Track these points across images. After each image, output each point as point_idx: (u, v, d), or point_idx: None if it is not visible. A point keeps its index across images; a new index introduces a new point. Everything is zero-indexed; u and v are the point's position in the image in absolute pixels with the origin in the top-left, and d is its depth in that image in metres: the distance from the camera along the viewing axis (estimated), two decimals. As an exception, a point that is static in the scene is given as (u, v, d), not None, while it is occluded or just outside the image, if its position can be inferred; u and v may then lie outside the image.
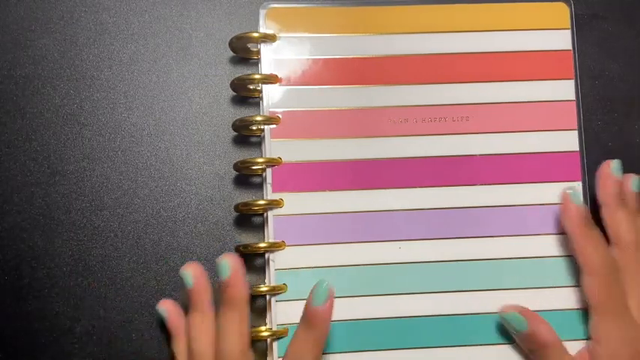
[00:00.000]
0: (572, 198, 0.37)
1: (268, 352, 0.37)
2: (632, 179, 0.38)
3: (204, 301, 0.36)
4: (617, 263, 0.36)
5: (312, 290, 0.34)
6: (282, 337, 0.37)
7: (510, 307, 0.37)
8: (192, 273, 0.36)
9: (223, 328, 0.34)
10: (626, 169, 0.41)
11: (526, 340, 0.36)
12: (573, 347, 0.37)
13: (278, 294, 0.37)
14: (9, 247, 0.40)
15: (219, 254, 0.40)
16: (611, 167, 0.38)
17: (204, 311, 0.36)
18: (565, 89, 0.40)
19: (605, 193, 0.38)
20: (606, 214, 0.37)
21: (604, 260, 0.36)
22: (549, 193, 0.39)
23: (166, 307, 0.38)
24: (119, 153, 0.41)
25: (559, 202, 0.38)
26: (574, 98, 0.40)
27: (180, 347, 0.37)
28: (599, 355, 0.35)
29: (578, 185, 0.39)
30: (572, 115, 0.40)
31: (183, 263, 0.40)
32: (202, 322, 0.36)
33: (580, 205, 0.37)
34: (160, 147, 0.41)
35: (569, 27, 0.41)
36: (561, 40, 0.41)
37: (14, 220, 0.40)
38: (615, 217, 0.37)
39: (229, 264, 0.35)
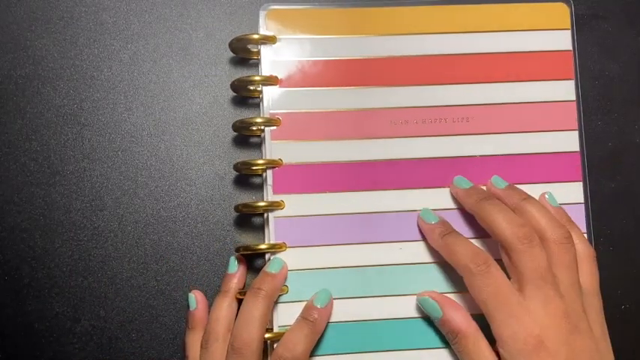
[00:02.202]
0: (424, 218, 0.38)
1: (269, 353, 0.37)
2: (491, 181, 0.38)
3: (235, 288, 0.38)
4: (486, 255, 0.34)
5: (315, 293, 0.37)
6: None
7: (426, 292, 0.37)
8: (236, 261, 0.39)
9: (248, 315, 0.35)
10: (626, 169, 0.42)
11: (442, 327, 0.36)
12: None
13: (279, 295, 0.37)
14: (9, 247, 0.40)
15: (220, 254, 0.40)
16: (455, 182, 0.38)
17: (232, 297, 0.37)
18: (565, 89, 0.40)
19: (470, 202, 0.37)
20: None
21: (472, 256, 0.34)
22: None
23: (196, 296, 0.38)
24: (119, 153, 0.41)
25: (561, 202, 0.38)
26: (574, 98, 0.40)
27: (194, 338, 0.37)
28: (503, 357, 0.33)
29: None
30: (572, 116, 0.40)
31: (183, 263, 0.40)
32: (229, 306, 0.37)
33: (435, 221, 0.37)
34: (159, 147, 0.41)
35: (570, 27, 0.41)
36: (561, 40, 0.40)
37: (14, 220, 0.40)
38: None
39: (280, 262, 0.37)
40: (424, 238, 0.38)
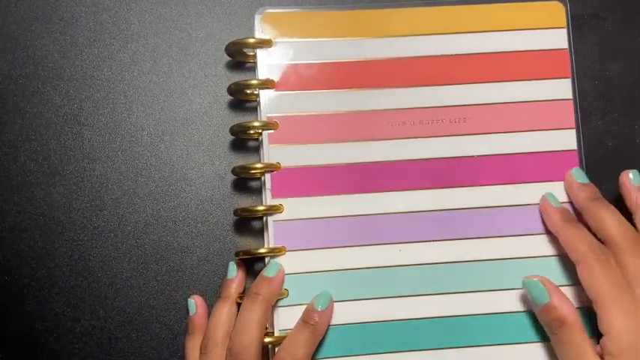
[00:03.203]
0: (549, 200, 0.38)
1: (270, 357, 0.37)
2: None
3: (235, 293, 0.38)
4: (610, 250, 0.35)
5: (315, 296, 0.37)
6: None
7: (535, 275, 0.36)
8: (235, 266, 0.39)
9: (246, 319, 0.35)
10: (626, 169, 0.41)
11: (545, 313, 0.35)
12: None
13: (280, 299, 0.37)
14: (9, 247, 0.40)
15: (219, 254, 0.40)
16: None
17: (232, 302, 0.37)
18: (562, 88, 0.40)
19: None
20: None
21: (590, 245, 0.35)
22: (549, 192, 0.39)
23: (196, 301, 0.38)
24: (119, 153, 0.41)
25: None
26: (571, 97, 0.40)
27: (194, 343, 0.37)
28: (609, 351, 0.33)
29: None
30: (569, 114, 0.40)
31: (183, 263, 0.40)
32: (229, 311, 0.37)
33: (558, 206, 0.37)
34: (160, 147, 0.41)
35: (565, 26, 0.41)
36: (557, 38, 0.40)
37: (14, 220, 0.40)
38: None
39: (277, 266, 0.37)
40: (424, 240, 0.38)
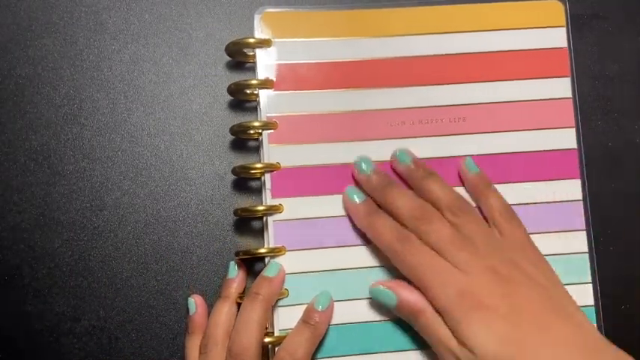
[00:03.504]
0: (349, 198, 0.38)
1: (270, 357, 0.37)
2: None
3: (235, 293, 0.38)
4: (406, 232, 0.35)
5: (316, 296, 0.37)
6: None
7: (377, 282, 0.37)
8: (236, 266, 0.39)
9: (246, 319, 0.35)
10: (627, 168, 0.42)
11: (400, 312, 0.35)
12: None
13: (280, 299, 0.37)
14: (9, 247, 0.40)
15: (219, 254, 0.40)
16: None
17: (232, 302, 0.37)
18: (561, 87, 0.40)
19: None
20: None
21: (391, 230, 0.35)
22: (548, 191, 0.39)
23: (196, 301, 0.38)
24: (119, 153, 0.41)
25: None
26: (570, 96, 0.40)
27: (194, 343, 0.37)
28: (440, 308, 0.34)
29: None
30: (569, 113, 0.40)
31: (183, 263, 0.40)
32: (229, 311, 0.37)
33: (360, 201, 0.37)
34: (160, 147, 0.41)
35: (564, 25, 0.41)
36: (556, 37, 0.40)
37: (14, 220, 0.40)
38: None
39: (277, 266, 0.37)
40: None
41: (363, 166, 0.38)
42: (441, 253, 0.34)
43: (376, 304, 0.37)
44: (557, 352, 0.32)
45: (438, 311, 0.34)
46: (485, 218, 0.37)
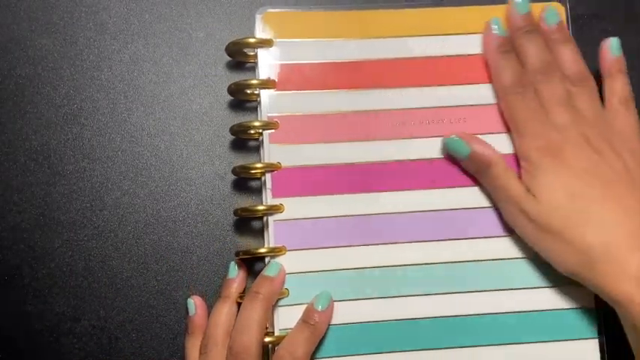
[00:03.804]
0: (493, 28, 0.39)
1: (269, 357, 0.37)
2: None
3: (235, 293, 0.38)
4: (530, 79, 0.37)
5: (316, 296, 0.37)
6: None
7: (452, 133, 0.38)
8: (236, 266, 0.39)
9: (247, 319, 0.35)
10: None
11: (472, 162, 0.37)
12: (574, 348, 0.37)
13: (280, 299, 0.37)
14: (9, 247, 0.40)
15: (219, 254, 0.40)
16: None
17: (232, 302, 0.37)
18: None
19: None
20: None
21: (512, 77, 0.37)
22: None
23: (195, 301, 0.38)
24: (119, 153, 0.41)
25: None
26: None
27: (193, 343, 0.37)
28: (523, 168, 0.36)
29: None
30: None
31: (183, 263, 0.40)
32: (229, 311, 0.37)
33: (499, 34, 0.38)
34: (160, 147, 0.41)
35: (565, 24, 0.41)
36: None
37: (14, 220, 0.40)
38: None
39: (278, 266, 0.37)
40: (425, 239, 0.38)
41: (521, 5, 0.39)
42: (547, 109, 0.36)
43: (376, 303, 0.37)
44: (620, 219, 0.33)
45: (520, 159, 0.36)
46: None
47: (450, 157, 0.39)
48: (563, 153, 0.35)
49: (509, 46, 0.38)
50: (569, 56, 0.38)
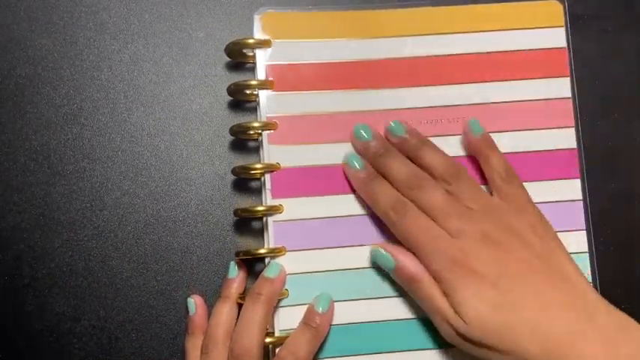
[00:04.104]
0: (351, 166, 0.38)
1: (271, 358, 0.37)
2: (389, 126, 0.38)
3: (235, 293, 0.38)
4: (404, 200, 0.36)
5: (316, 297, 0.37)
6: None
7: (378, 245, 0.37)
8: (236, 266, 0.38)
9: (248, 320, 0.35)
10: (627, 168, 0.42)
11: (397, 276, 0.36)
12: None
13: (280, 299, 0.37)
14: (9, 247, 0.40)
15: (219, 254, 0.40)
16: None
17: (233, 302, 0.37)
18: (561, 87, 0.40)
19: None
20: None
21: (390, 199, 0.36)
22: (548, 191, 0.39)
23: (196, 301, 0.38)
24: (119, 153, 0.41)
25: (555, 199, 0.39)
26: (570, 96, 0.40)
27: (194, 344, 0.37)
28: (435, 274, 0.34)
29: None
30: (568, 113, 0.40)
31: (183, 263, 0.40)
32: (229, 311, 0.37)
33: (359, 168, 0.37)
34: (160, 147, 0.41)
35: (563, 25, 0.41)
36: (556, 38, 0.40)
37: (14, 220, 0.40)
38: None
39: (278, 267, 0.37)
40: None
41: (363, 132, 0.38)
42: (434, 219, 0.35)
43: (376, 304, 0.37)
44: (549, 316, 0.32)
45: (435, 281, 0.34)
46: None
47: (451, 157, 0.39)
48: (470, 263, 0.33)
49: (374, 174, 0.37)
50: (432, 155, 0.37)
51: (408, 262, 0.35)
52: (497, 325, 0.32)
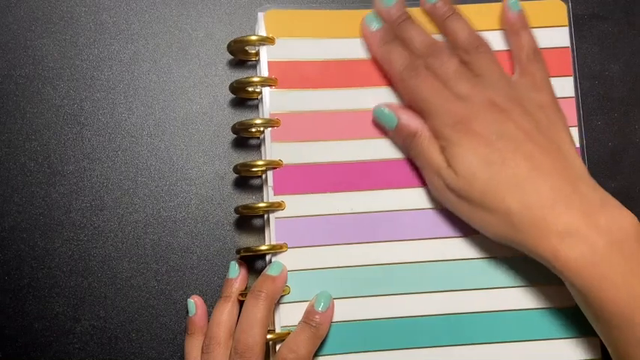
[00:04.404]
0: (370, 26, 0.39)
1: (271, 354, 0.37)
2: None
3: (236, 292, 0.38)
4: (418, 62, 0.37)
5: (315, 296, 0.37)
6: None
7: (381, 104, 0.38)
8: (237, 265, 0.38)
9: (250, 318, 0.35)
10: (627, 169, 0.42)
11: (398, 134, 0.38)
12: (567, 346, 0.37)
13: (281, 296, 0.37)
14: (9, 247, 0.40)
15: (220, 254, 0.40)
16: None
17: (234, 301, 0.37)
18: (564, 86, 0.40)
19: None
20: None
21: (403, 61, 0.37)
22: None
23: (195, 302, 0.38)
24: (119, 153, 0.41)
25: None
26: (573, 95, 0.40)
27: (194, 344, 0.37)
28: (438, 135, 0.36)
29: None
30: (571, 112, 0.40)
31: (183, 263, 0.40)
32: (230, 310, 0.37)
33: (378, 27, 0.39)
34: (160, 147, 0.41)
35: (567, 24, 0.41)
36: (559, 37, 0.40)
37: (14, 220, 0.40)
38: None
39: (280, 265, 0.37)
40: (426, 237, 0.38)
41: None
42: (445, 83, 0.36)
43: (377, 301, 0.37)
44: (536, 177, 0.33)
45: (436, 138, 0.36)
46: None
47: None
48: (471, 123, 0.35)
49: (392, 35, 0.38)
50: (459, 25, 0.38)
51: (409, 119, 0.37)
52: (485, 178, 0.34)
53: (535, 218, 0.33)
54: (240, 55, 0.41)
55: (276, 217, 0.38)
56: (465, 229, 0.38)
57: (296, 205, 0.38)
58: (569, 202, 0.33)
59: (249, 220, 0.40)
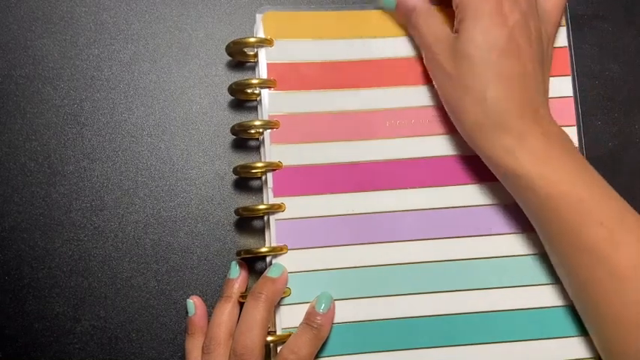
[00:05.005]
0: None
1: (272, 356, 0.37)
2: None
3: (237, 293, 0.38)
4: None
5: (316, 297, 0.37)
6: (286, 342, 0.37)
7: None
8: (237, 266, 0.38)
9: (250, 319, 0.35)
10: (627, 169, 0.42)
11: (400, 11, 0.39)
12: (563, 346, 0.37)
13: (282, 298, 0.37)
14: (9, 247, 0.40)
15: (220, 254, 0.40)
16: None
17: (234, 302, 0.37)
18: (562, 86, 0.40)
19: None
20: None
21: None
22: None
23: (195, 302, 0.38)
24: (119, 153, 0.41)
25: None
26: (571, 94, 0.40)
27: (194, 344, 0.37)
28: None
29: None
30: (570, 112, 0.40)
31: (183, 263, 0.40)
32: (231, 311, 0.37)
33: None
34: (160, 147, 0.41)
35: (565, 24, 0.41)
36: (557, 37, 0.40)
37: (14, 220, 0.40)
38: None
39: (281, 268, 0.37)
40: (426, 238, 0.38)
41: None
42: None
43: (378, 302, 0.37)
44: (523, 82, 0.34)
45: (455, 7, 0.36)
46: None
47: (452, 155, 0.39)
48: (497, 6, 0.35)
49: None
50: None
51: None
52: (485, 56, 0.34)
53: (502, 119, 0.34)
54: (239, 57, 0.41)
55: (276, 219, 0.38)
56: (464, 230, 0.38)
57: (296, 206, 0.38)
58: (534, 118, 0.34)
59: (249, 221, 0.40)
